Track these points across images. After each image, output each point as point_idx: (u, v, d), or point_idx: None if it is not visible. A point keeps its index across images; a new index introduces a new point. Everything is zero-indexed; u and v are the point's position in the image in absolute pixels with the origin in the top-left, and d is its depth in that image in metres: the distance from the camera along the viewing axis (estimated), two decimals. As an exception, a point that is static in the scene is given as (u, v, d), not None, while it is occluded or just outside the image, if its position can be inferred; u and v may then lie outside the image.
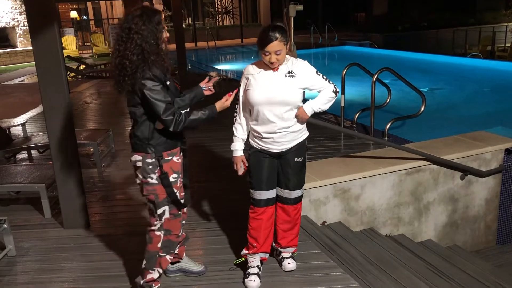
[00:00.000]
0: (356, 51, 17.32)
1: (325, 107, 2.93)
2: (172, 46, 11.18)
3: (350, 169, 4.36)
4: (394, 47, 16.20)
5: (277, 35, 2.67)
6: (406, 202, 4.56)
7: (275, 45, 2.67)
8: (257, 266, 3.06)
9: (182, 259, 3.06)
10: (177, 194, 2.69)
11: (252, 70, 2.88)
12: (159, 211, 2.66)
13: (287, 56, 2.82)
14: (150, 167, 2.58)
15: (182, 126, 2.52)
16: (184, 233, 2.98)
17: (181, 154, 2.75)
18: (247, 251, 3.09)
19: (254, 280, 2.98)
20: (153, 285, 2.79)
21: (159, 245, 2.73)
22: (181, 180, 2.76)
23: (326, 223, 4.23)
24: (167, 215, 2.68)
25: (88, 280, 3.17)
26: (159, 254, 2.75)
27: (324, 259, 3.28)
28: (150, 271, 2.76)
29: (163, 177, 2.60)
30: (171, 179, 2.63)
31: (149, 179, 2.60)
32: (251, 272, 3.02)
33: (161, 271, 2.80)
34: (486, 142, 4.90)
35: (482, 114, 7.73)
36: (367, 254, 3.69)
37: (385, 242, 4.17)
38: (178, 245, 2.95)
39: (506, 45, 16.04)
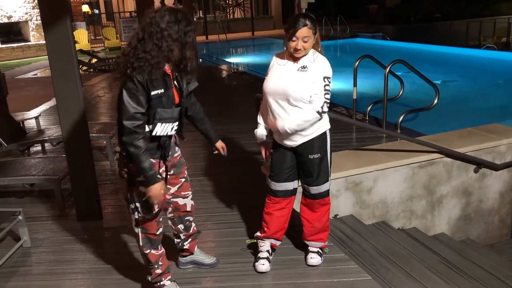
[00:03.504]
0: (368, 43, 17.16)
1: (299, 128, 2.78)
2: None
3: (362, 162, 4.33)
4: (406, 39, 16.01)
5: (307, 22, 2.68)
6: (419, 195, 4.53)
7: (304, 31, 2.67)
8: (267, 251, 3.11)
9: (193, 253, 3.06)
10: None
11: (275, 59, 2.90)
12: (131, 206, 2.57)
13: (313, 50, 2.78)
14: (125, 160, 2.52)
15: (130, 147, 2.34)
16: (195, 228, 2.98)
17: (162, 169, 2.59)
18: (259, 234, 3.15)
19: (264, 264, 3.03)
20: (163, 278, 2.79)
21: (140, 242, 2.67)
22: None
23: (338, 216, 4.22)
24: (139, 212, 2.57)
25: (101, 271, 3.20)
26: (143, 251, 2.70)
27: (336, 252, 3.27)
28: (150, 267, 2.74)
29: (130, 177, 2.52)
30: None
31: (123, 172, 2.55)
32: (261, 256, 3.08)
33: (161, 263, 2.75)
34: (500, 135, 4.83)
35: (496, 107, 7.63)
36: (379, 247, 3.67)
37: (397, 235, 4.15)
38: (190, 240, 2.95)
39: (522, 36, 15.78)
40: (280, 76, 2.81)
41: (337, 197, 4.20)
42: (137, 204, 2.55)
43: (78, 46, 16.49)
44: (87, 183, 3.88)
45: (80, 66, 13.46)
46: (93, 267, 3.25)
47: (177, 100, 2.52)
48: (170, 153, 2.64)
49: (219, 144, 2.98)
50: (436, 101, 5.84)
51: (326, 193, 3.02)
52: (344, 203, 4.24)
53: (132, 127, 2.33)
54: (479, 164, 4.63)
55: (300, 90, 2.73)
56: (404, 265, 3.44)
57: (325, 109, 2.76)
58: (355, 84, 6.18)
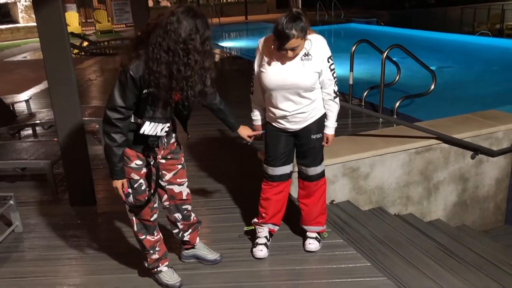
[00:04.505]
0: (362, 29, 17.04)
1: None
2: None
3: (359, 147, 4.29)
4: (401, 25, 15.92)
5: (294, 32, 2.46)
6: (416, 181, 4.50)
7: (293, 43, 2.51)
8: (265, 237, 3.08)
9: (195, 245, 2.97)
10: (140, 184, 2.49)
11: (264, 46, 2.76)
12: (124, 192, 2.49)
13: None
14: None
15: (106, 136, 2.29)
16: (195, 217, 2.91)
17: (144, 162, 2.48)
18: (257, 220, 3.11)
19: (262, 250, 3.00)
20: (160, 264, 2.75)
21: (135, 228, 2.62)
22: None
23: (334, 202, 4.19)
24: (131, 198, 2.51)
25: (95, 257, 3.15)
26: (138, 237, 2.65)
27: (335, 238, 3.24)
28: (146, 252, 2.69)
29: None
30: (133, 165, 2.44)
31: None
32: (259, 242, 3.05)
33: (158, 249, 2.71)
34: (498, 121, 4.81)
35: (491, 93, 7.61)
36: (376, 233, 3.64)
37: (394, 221, 4.13)
38: (190, 231, 2.87)
39: (516, 23, 15.76)
40: (283, 68, 2.68)
41: (334, 183, 4.16)
42: (130, 191, 2.48)
43: (68, 29, 16.21)
44: (81, 167, 3.81)
45: (71, 49, 13.22)
46: (87, 252, 3.20)
47: (176, 98, 2.33)
48: (166, 140, 2.55)
49: (242, 133, 2.92)
50: (433, 86, 5.79)
51: (322, 173, 3.01)
52: (341, 189, 4.21)
53: (112, 118, 2.25)
54: (476, 150, 4.61)
55: (310, 80, 2.68)
56: (401, 251, 3.42)
57: (336, 88, 2.79)
58: (351, 69, 6.12)
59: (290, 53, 2.58)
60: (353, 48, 6.03)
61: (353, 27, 17.78)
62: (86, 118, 5.05)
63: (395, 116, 5.59)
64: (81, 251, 3.22)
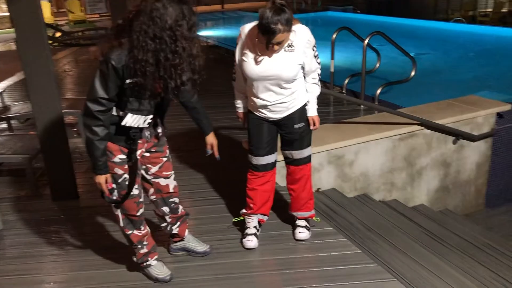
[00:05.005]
0: (339, 17, 17.07)
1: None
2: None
3: (344, 135, 4.29)
4: (377, 13, 15.99)
5: (280, 26, 2.39)
6: (399, 167, 4.54)
7: (279, 37, 2.45)
8: (255, 227, 3.05)
9: (184, 237, 2.91)
10: (124, 179, 2.40)
11: (246, 34, 2.69)
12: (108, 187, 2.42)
13: None
14: None
15: (87, 130, 2.19)
16: (183, 210, 2.85)
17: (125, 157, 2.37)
18: (246, 211, 3.07)
19: (252, 240, 2.97)
20: (149, 258, 2.68)
21: (121, 223, 2.54)
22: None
23: (320, 190, 4.18)
24: (115, 193, 2.42)
25: (80, 253, 3.07)
26: (125, 232, 2.58)
27: (324, 226, 3.23)
28: (133, 247, 2.62)
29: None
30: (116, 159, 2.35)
31: None
32: (248, 233, 3.01)
33: (146, 243, 2.64)
34: (478, 106, 4.87)
35: (468, 79, 7.71)
36: (364, 220, 3.66)
37: (379, 207, 4.16)
38: (178, 224, 2.81)
39: (488, 10, 15.99)
40: (266, 59, 2.62)
41: (319, 171, 4.16)
42: (114, 186, 2.40)
43: (40, 19, 15.74)
44: (62, 161, 3.70)
45: (44, 40, 12.86)
46: (72, 248, 3.11)
47: (158, 89, 2.20)
48: (149, 133, 2.47)
49: (209, 139, 2.81)
50: (413, 73, 5.83)
51: (308, 159, 2.98)
52: (327, 176, 4.21)
53: (94, 111, 2.16)
54: (458, 135, 4.67)
55: (292, 72, 2.64)
56: (389, 236, 3.45)
57: (320, 71, 2.79)
58: (332, 57, 6.10)
59: (276, 47, 2.53)
60: (334, 35, 6.02)
61: (330, 15, 17.80)
62: (64, 110, 4.90)
63: (376, 103, 5.60)
64: (65, 246, 3.13)
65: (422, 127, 4.49)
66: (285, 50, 2.60)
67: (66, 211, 3.60)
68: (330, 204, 3.88)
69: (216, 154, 2.83)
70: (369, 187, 4.45)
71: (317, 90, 2.84)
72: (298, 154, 2.92)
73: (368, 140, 4.28)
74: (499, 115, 4.93)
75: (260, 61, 2.63)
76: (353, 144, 4.23)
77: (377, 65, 6.61)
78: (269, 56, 2.61)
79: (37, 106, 3.55)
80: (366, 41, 5.50)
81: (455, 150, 4.76)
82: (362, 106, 5.51)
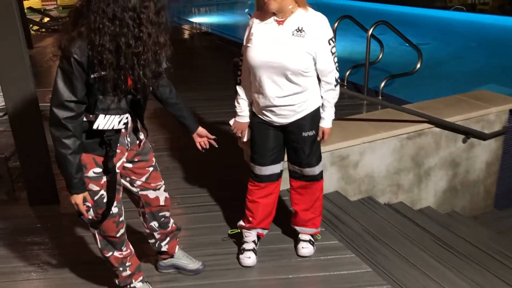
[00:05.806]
0: (336, 4, 16.64)
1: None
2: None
3: (348, 134, 3.97)
4: (375, 0, 15.61)
5: None
6: (407, 168, 4.24)
7: None
8: (253, 242, 2.73)
9: (174, 254, 2.59)
10: (101, 196, 2.10)
11: (254, 20, 2.38)
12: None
13: (299, 9, 2.29)
14: None
15: (56, 143, 1.89)
16: (174, 224, 2.53)
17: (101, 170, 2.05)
18: (243, 224, 2.74)
19: (250, 257, 2.65)
20: (133, 280, 2.37)
21: (99, 245, 2.22)
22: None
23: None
24: (91, 213, 2.12)
25: (58, 268, 2.75)
26: (104, 254, 2.25)
27: (329, 238, 2.93)
28: (115, 270, 2.31)
29: None
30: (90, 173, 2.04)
31: None
32: (246, 248, 2.70)
33: (129, 264, 2.31)
34: (489, 102, 4.57)
35: (474, 71, 7.43)
36: (370, 228, 3.37)
37: (385, 212, 3.88)
38: (168, 240, 2.50)
39: (488, -2, 15.69)
40: (270, 43, 2.30)
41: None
42: (88, 204, 2.07)
43: (27, 4, 15.22)
44: (40, 161, 3.37)
45: (31, 25, 12.39)
46: (49, 263, 2.79)
47: (129, 83, 1.90)
48: (129, 139, 2.14)
49: (199, 134, 2.45)
50: (419, 65, 5.52)
51: (320, 176, 2.64)
52: (329, 179, 3.89)
53: (61, 118, 1.84)
54: (468, 133, 4.38)
55: (299, 60, 2.28)
56: (397, 247, 3.17)
57: (338, 75, 2.41)
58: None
59: (272, 3, 2.21)
60: (336, 24, 5.67)
61: (326, 3, 17.35)
62: (46, 104, 4.54)
63: (380, 97, 5.29)
64: (42, 261, 2.81)
65: (431, 125, 4.18)
66: (293, 34, 2.27)
67: (44, 219, 3.27)
68: (333, 210, 3.58)
69: (214, 143, 2.51)
70: (374, 189, 4.15)
71: (334, 97, 2.48)
72: (308, 172, 2.58)
73: (375, 139, 3.97)
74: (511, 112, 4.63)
75: (265, 45, 2.32)
76: (359, 143, 3.91)
77: (380, 56, 6.28)
78: (274, 39, 2.29)
79: (11, 101, 3.22)
80: (370, 31, 5.17)
81: (465, 149, 4.47)
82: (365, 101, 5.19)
